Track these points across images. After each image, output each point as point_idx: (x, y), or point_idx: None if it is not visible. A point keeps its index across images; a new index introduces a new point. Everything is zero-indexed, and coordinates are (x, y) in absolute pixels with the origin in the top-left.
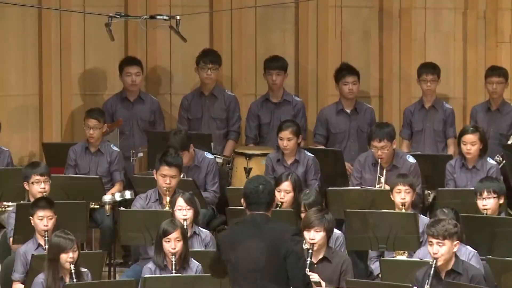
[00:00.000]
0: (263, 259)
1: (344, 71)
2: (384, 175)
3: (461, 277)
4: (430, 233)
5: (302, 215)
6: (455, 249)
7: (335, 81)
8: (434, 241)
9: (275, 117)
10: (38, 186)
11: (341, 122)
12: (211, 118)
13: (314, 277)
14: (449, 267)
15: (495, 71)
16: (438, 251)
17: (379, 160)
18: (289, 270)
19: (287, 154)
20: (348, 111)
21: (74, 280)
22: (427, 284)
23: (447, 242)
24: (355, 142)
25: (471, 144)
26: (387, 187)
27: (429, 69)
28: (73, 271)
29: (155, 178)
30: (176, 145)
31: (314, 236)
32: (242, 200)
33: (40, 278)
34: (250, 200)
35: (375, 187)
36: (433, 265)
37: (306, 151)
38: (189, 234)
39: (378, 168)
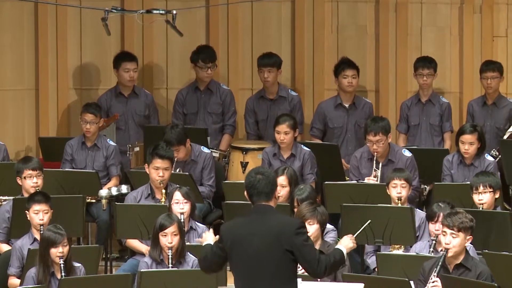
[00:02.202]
0: (265, 251)
1: (344, 64)
2: (380, 168)
3: (469, 273)
4: (446, 223)
5: (296, 210)
6: (467, 244)
7: (334, 75)
8: (448, 231)
9: (271, 114)
10: (31, 181)
11: (339, 116)
12: (207, 113)
13: None
14: (459, 261)
15: (489, 65)
16: (450, 242)
17: (375, 154)
18: (301, 261)
19: (284, 148)
20: (347, 105)
21: (63, 274)
22: (435, 272)
23: (461, 234)
24: (352, 137)
25: (469, 144)
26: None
27: (425, 63)
28: (62, 266)
29: (147, 172)
30: (173, 139)
31: (308, 229)
32: (245, 193)
33: (32, 272)
34: (249, 192)
35: (375, 172)
36: (444, 256)
37: (302, 145)
38: (186, 228)
39: (374, 162)
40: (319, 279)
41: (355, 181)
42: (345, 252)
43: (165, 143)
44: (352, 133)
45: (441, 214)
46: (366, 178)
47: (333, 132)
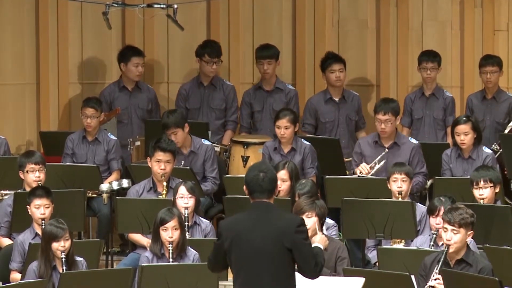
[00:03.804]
0: (266, 248)
1: (330, 59)
2: (378, 163)
3: (470, 268)
4: (447, 219)
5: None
6: (468, 239)
7: (321, 71)
8: (449, 227)
9: (267, 105)
10: (33, 175)
11: (329, 111)
12: (210, 108)
13: None
14: (460, 256)
15: (488, 60)
16: (451, 238)
17: (382, 134)
18: (297, 260)
19: (284, 142)
20: (336, 99)
21: (64, 268)
22: (436, 269)
23: (462, 230)
24: (344, 130)
25: (464, 134)
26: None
27: (429, 57)
28: (63, 260)
29: (150, 165)
30: (169, 122)
31: (306, 222)
32: (244, 187)
33: (33, 266)
34: (251, 188)
35: (374, 164)
36: (445, 251)
37: (303, 139)
38: (190, 223)
39: (379, 156)
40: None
41: (356, 175)
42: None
43: (163, 127)
44: (344, 127)
45: (442, 208)
46: (358, 167)
47: (325, 127)
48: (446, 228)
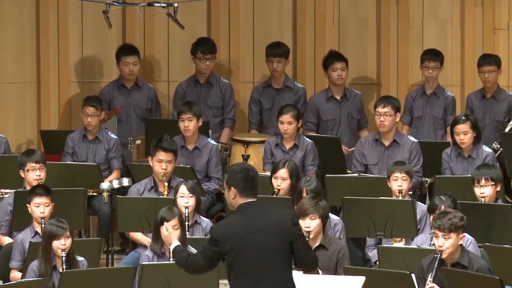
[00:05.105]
0: (270, 245)
1: (332, 57)
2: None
3: (466, 270)
4: (436, 225)
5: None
6: (460, 242)
7: (323, 69)
8: (440, 233)
9: (276, 103)
10: (34, 174)
11: (331, 109)
12: (207, 106)
13: None
14: (455, 259)
15: (486, 59)
16: (443, 244)
17: (381, 128)
18: (297, 253)
19: (287, 138)
20: (338, 98)
21: (64, 267)
22: (431, 277)
23: (452, 235)
24: (346, 129)
25: (463, 133)
26: None
27: (432, 56)
28: (63, 258)
29: (151, 165)
30: (189, 109)
31: (309, 224)
32: (231, 190)
33: (34, 265)
34: (242, 188)
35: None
36: (438, 257)
37: (305, 137)
38: (190, 222)
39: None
40: (306, 273)
41: (357, 174)
42: None
43: (179, 113)
44: (345, 125)
45: (443, 207)
46: None
47: (326, 125)
48: (437, 234)
